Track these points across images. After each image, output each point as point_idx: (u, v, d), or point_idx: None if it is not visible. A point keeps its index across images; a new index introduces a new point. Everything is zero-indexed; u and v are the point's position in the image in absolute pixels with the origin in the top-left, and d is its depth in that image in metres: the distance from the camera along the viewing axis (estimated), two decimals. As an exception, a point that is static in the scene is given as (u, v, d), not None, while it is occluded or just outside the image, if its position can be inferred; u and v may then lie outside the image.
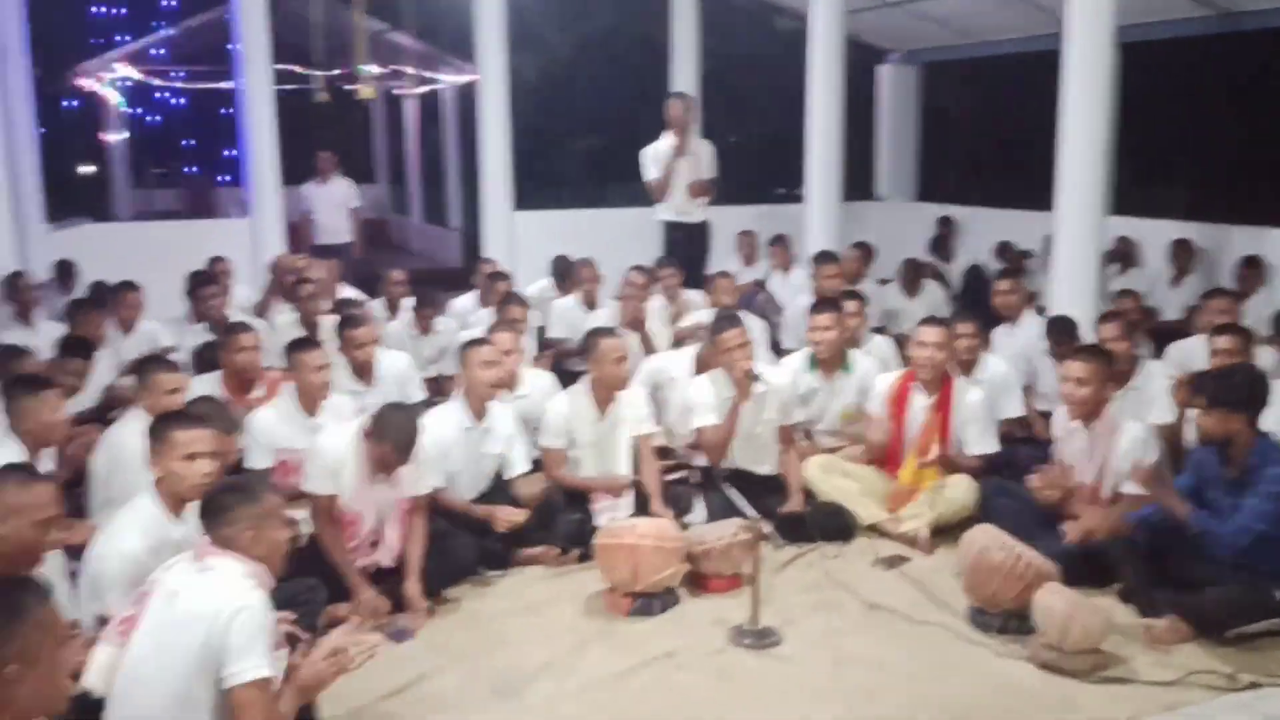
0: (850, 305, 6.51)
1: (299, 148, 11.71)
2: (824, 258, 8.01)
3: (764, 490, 5.49)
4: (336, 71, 12.84)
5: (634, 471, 5.40)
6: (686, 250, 8.70)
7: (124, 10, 19.37)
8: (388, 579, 4.53)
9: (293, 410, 5.20)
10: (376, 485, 4.50)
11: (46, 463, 4.43)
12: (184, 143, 22.02)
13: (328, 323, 6.99)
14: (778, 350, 7.57)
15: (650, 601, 4.54)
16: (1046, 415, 5.90)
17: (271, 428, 5.13)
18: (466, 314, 8.05)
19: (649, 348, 7.14)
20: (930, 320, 5.80)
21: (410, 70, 12.95)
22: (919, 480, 5.45)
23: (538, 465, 5.41)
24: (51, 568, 3.48)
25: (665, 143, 8.77)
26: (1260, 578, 4.18)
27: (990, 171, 16.71)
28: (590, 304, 7.88)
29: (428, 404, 5.98)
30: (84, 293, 8.08)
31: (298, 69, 13.17)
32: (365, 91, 10.72)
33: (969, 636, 4.31)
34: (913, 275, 9.34)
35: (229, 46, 10.94)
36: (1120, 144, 9.75)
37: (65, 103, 17.68)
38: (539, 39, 15.75)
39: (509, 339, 5.75)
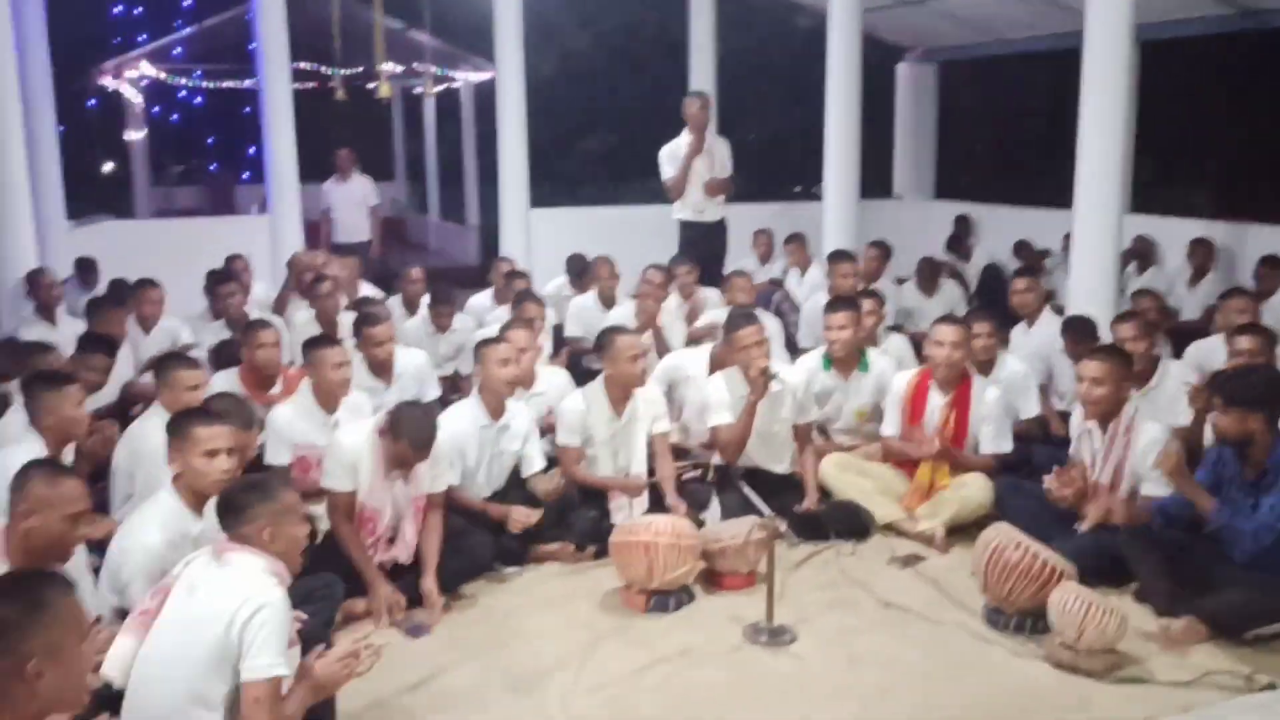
0: (867, 304, 6.50)
1: (318, 145, 11.78)
2: (840, 256, 8.00)
3: (780, 488, 5.50)
4: (355, 70, 12.91)
5: (649, 469, 5.42)
6: (703, 249, 8.69)
7: (144, 9, 19.45)
8: (405, 575, 4.56)
9: (311, 407, 5.22)
10: (393, 482, 4.53)
11: (67, 458, 4.47)
12: (205, 141, 22.11)
13: (346, 320, 7.03)
14: (793, 349, 7.57)
15: (666, 599, 4.55)
16: (1065, 415, 5.89)
17: (290, 424, 5.16)
18: (483, 312, 8.07)
19: (664, 346, 7.14)
20: (947, 319, 5.79)
21: (428, 68, 12.99)
22: (936, 479, 5.45)
23: (552, 463, 5.42)
24: (76, 562, 3.51)
25: (682, 141, 8.77)
26: (1278, 579, 4.16)
27: (1008, 170, 16.67)
28: (607, 302, 7.89)
29: (444, 402, 6.00)
30: (104, 290, 8.14)
31: (317, 67, 13.25)
32: (383, 90, 10.76)
33: (984, 636, 4.30)
34: (930, 274, 9.33)
35: (249, 45, 10.99)
36: (1139, 142, 9.73)
37: (86, 101, 17.77)
38: (557, 37, 15.79)
39: (524, 337, 5.77)
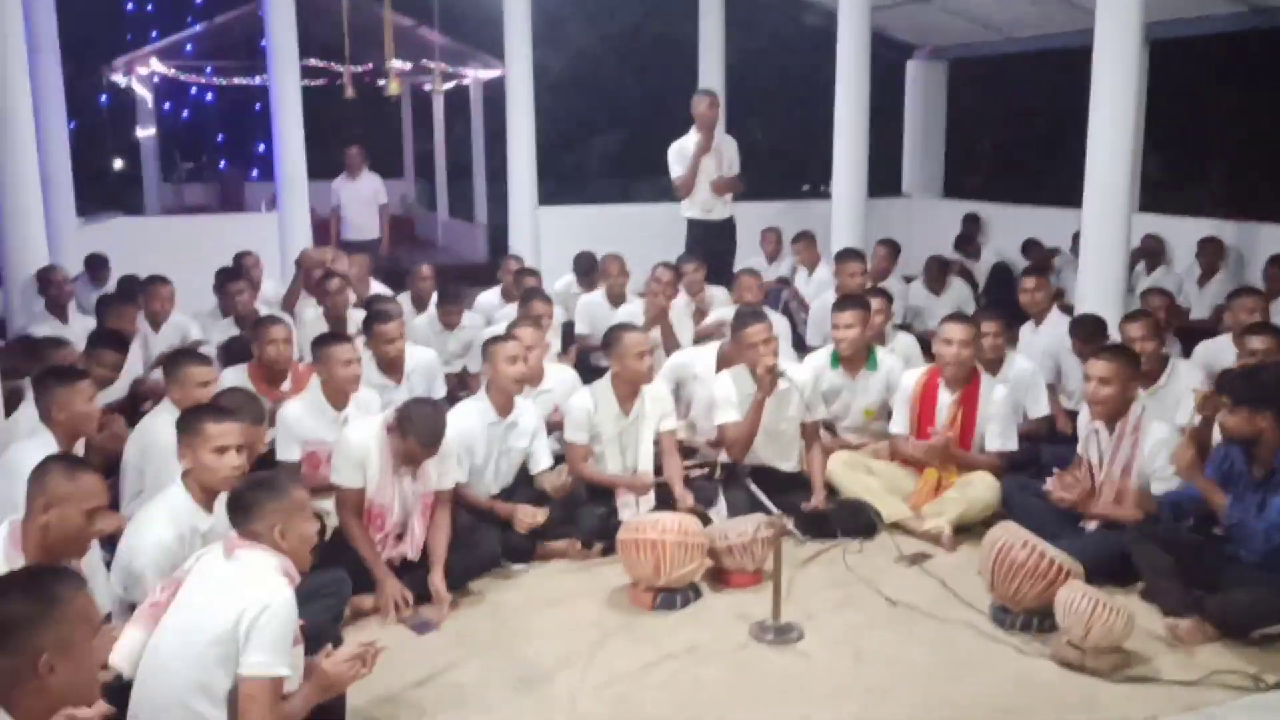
0: (876, 303, 6.50)
1: (328, 143, 11.80)
2: (848, 255, 7.99)
3: (787, 487, 5.50)
4: (365, 67, 12.90)
5: (656, 467, 5.43)
6: (710, 247, 8.70)
7: (155, 6, 19.49)
8: (412, 571, 4.57)
9: (320, 404, 5.23)
10: (402, 479, 4.54)
11: (77, 454, 4.49)
12: (215, 138, 22.16)
13: (355, 317, 7.05)
14: (801, 347, 7.57)
15: (673, 596, 4.56)
16: (1073, 414, 5.89)
17: (299, 420, 5.17)
18: (492, 309, 8.08)
19: (673, 343, 7.15)
20: (956, 317, 5.79)
21: (437, 66, 12.99)
22: (943, 478, 5.46)
23: (560, 460, 5.43)
24: (90, 558, 3.54)
25: (691, 139, 8.77)
26: (1285, 578, 4.17)
27: (1017, 168, 16.64)
28: (616, 300, 7.89)
29: (451, 399, 6.02)
30: (114, 287, 8.16)
31: (326, 64, 13.26)
32: (392, 87, 10.77)
33: (991, 634, 4.31)
34: (938, 272, 9.32)
35: (259, 42, 11.02)
36: (1149, 141, 9.72)
37: (97, 98, 17.81)
38: (565, 35, 15.77)
39: (532, 334, 5.78)
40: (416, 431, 4.41)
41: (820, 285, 8.92)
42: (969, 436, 5.52)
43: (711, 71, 11.66)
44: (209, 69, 16.27)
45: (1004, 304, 7.71)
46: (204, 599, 3.02)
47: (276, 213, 9.97)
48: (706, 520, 5.10)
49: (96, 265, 8.99)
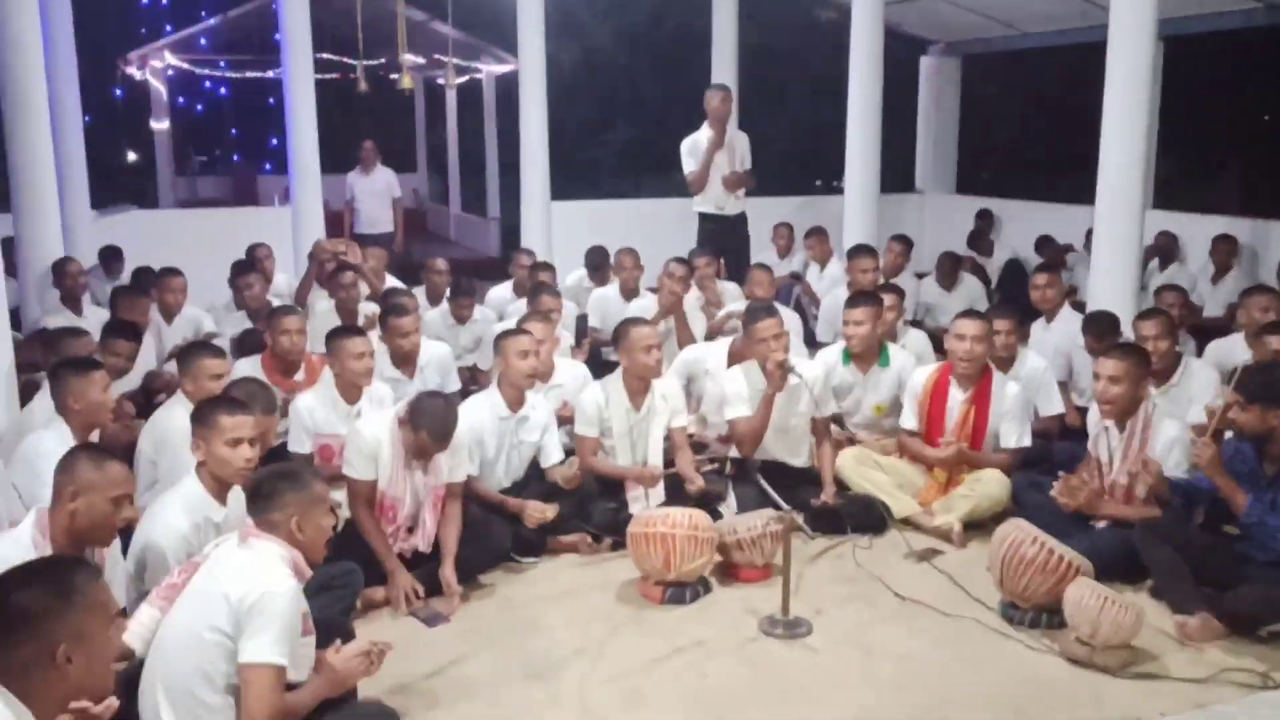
0: (888, 299, 6.49)
1: (341, 137, 11.83)
2: (860, 251, 7.98)
3: (797, 482, 5.51)
4: (378, 61, 12.94)
5: (666, 461, 5.44)
6: (722, 242, 8.70)
7: (169, 0, 19.59)
8: (423, 564, 4.59)
9: (333, 397, 5.26)
10: (413, 472, 4.56)
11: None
12: (229, 131, 22.25)
13: (365, 310, 7.07)
14: (812, 343, 7.57)
15: (682, 590, 4.58)
16: (1084, 411, 5.87)
17: (312, 413, 5.20)
18: (503, 304, 8.09)
19: (687, 338, 7.16)
20: (969, 313, 5.77)
21: (450, 60, 13.02)
22: (953, 474, 5.46)
23: (570, 454, 5.45)
24: (112, 549, 3.57)
25: (704, 134, 8.77)
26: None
27: (1031, 164, 16.59)
28: (629, 294, 7.90)
29: (462, 394, 6.04)
30: (128, 279, 8.20)
31: (340, 58, 13.29)
32: (405, 81, 10.79)
33: (1000, 630, 4.31)
34: (950, 269, 9.31)
35: (273, 35, 11.05)
36: (1163, 138, 9.68)
37: (112, 91, 17.91)
38: (579, 29, 15.79)
39: (541, 329, 5.79)
40: (428, 425, 4.43)
41: (832, 281, 8.92)
42: (981, 435, 5.50)
43: (725, 66, 11.65)
44: (223, 63, 16.34)
45: (1016, 300, 7.69)
46: (210, 584, 3.06)
47: (289, 206, 10.00)
48: (716, 515, 5.11)
49: (110, 258, 9.04)
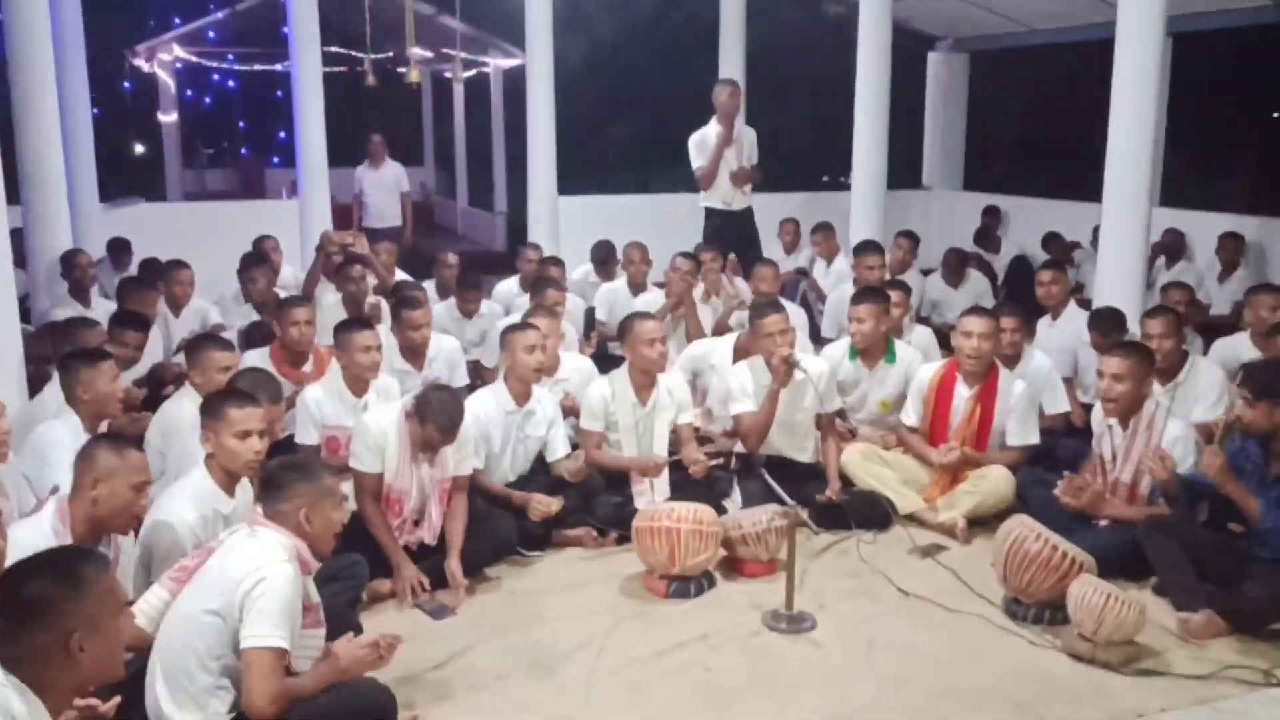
0: (895, 295, 6.49)
1: (349, 130, 11.85)
2: (867, 247, 7.96)
3: (802, 477, 5.50)
4: (386, 55, 12.96)
5: (671, 455, 5.46)
6: (729, 237, 8.70)
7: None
8: (429, 556, 4.61)
9: (340, 389, 5.27)
10: (420, 465, 4.58)
11: (102, 435, 4.55)
12: (237, 124, 22.26)
13: (370, 301, 7.08)
14: (817, 339, 7.57)
15: (687, 584, 4.59)
16: (1089, 409, 5.87)
17: (319, 405, 5.21)
18: (510, 298, 8.10)
19: (697, 332, 7.17)
20: (976, 310, 5.76)
21: (458, 54, 13.05)
22: (958, 471, 5.46)
23: (576, 448, 5.46)
24: (127, 540, 3.59)
25: (712, 130, 8.77)
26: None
27: (1039, 161, 16.56)
28: (636, 288, 7.91)
29: (469, 387, 6.05)
30: (135, 271, 8.23)
31: (348, 51, 13.31)
32: (413, 75, 10.81)
33: (1003, 626, 4.32)
34: (957, 265, 9.30)
35: (281, 28, 11.07)
36: (1170, 135, 9.66)
37: (120, 84, 17.93)
38: (586, 24, 15.77)
39: (547, 324, 5.80)
40: (435, 418, 4.45)
41: (838, 277, 8.92)
42: (987, 432, 5.50)
43: (732, 61, 11.63)
44: (231, 55, 16.38)
45: (1023, 297, 7.68)
46: (215, 570, 3.11)
47: (297, 199, 10.02)
48: (721, 510, 5.12)
49: (118, 250, 9.07)
